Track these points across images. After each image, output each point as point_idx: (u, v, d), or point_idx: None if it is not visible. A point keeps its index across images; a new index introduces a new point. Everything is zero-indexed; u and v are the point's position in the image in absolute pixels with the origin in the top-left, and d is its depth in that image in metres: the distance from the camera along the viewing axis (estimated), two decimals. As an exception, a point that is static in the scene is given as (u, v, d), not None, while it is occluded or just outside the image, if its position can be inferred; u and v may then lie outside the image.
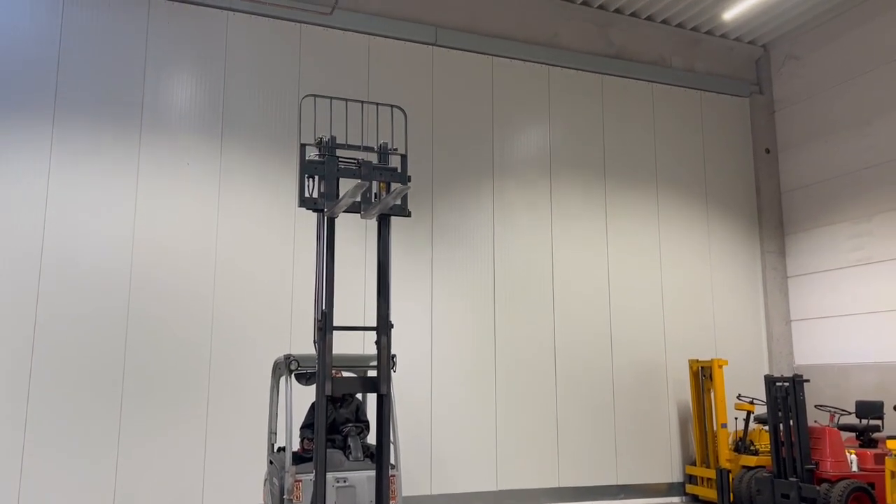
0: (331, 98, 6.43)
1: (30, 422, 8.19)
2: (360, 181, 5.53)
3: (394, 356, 6.95)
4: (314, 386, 6.91)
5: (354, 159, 6.27)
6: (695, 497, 10.97)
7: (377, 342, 6.27)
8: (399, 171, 6.40)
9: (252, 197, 9.52)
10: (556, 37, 11.63)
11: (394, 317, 9.82)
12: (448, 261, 10.42)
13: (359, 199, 6.15)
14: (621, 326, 11.28)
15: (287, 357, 6.75)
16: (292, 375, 6.80)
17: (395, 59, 10.55)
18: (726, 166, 12.54)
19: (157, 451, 8.61)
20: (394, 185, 6.21)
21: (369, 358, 6.74)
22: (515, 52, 11.25)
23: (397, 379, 9.71)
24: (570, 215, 11.28)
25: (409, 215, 6.46)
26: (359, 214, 6.25)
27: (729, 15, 10.16)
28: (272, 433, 7.44)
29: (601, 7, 11.85)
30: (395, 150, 6.64)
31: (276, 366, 7.42)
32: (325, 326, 6.21)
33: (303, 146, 6.18)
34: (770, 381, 9.66)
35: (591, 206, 11.45)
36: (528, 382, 10.55)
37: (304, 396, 8.31)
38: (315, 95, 6.60)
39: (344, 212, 6.04)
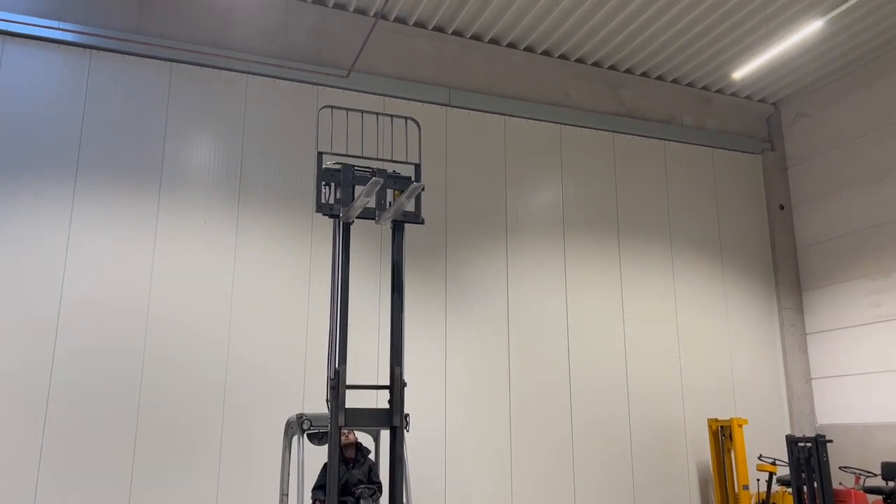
0: (347, 109, 6.56)
1: (42, 476, 8.13)
2: (375, 178, 5.60)
3: (407, 416, 6.90)
4: (326, 446, 6.86)
5: (369, 168, 6.39)
6: (718, 562, 10.63)
7: (391, 368, 6.21)
8: (413, 179, 6.49)
9: (267, 254, 9.61)
10: (567, 97, 11.84)
11: (407, 373, 9.75)
12: (462, 316, 10.41)
13: (373, 205, 6.24)
14: (638, 382, 11.13)
15: (299, 416, 6.72)
16: (304, 435, 6.75)
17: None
18: (740, 222, 12.55)
19: (168, 511, 8.51)
20: (409, 186, 6.24)
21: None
22: (528, 112, 11.44)
23: (412, 438, 9.59)
24: (584, 271, 11.27)
25: (422, 222, 6.50)
26: (373, 222, 6.29)
27: (738, 74, 10.32)
28: (284, 494, 7.34)
29: (612, 67, 12.08)
30: (409, 177, 6.66)
31: (289, 425, 7.36)
32: (337, 385, 6.20)
33: (320, 154, 6.30)
34: (792, 442, 9.45)
35: (605, 261, 11.45)
36: (543, 439, 10.38)
37: (316, 457, 8.22)
38: (332, 107, 6.74)
39: (358, 218, 6.10)
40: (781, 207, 12.70)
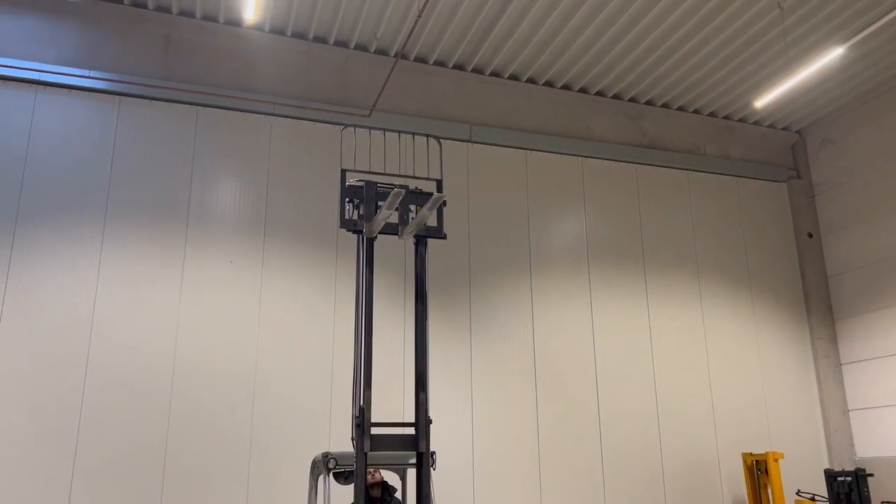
0: (370, 128, 6.61)
1: (70, 524, 8.15)
2: (397, 188, 5.64)
3: (433, 453, 6.81)
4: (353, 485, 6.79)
5: (392, 185, 6.43)
6: None
7: (416, 394, 6.17)
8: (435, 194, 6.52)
9: (292, 291, 9.66)
10: (588, 129, 11.86)
11: (433, 409, 9.64)
12: (487, 351, 10.33)
13: (396, 220, 6.27)
14: (669, 416, 10.91)
15: (325, 455, 6.66)
16: (330, 474, 6.68)
17: (432, 154, 10.84)
18: (769, 252, 12.37)
19: (195, 554, 8.45)
20: (431, 198, 6.24)
21: (408, 455, 6.58)
22: (549, 146, 11.48)
23: (439, 476, 9.45)
24: (610, 304, 11.15)
25: (444, 237, 6.51)
26: (397, 237, 6.30)
27: (760, 103, 10.27)
28: (311, 534, 7.25)
29: (632, 99, 12.10)
30: (431, 193, 6.70)
31: (315, 464, 7.30)
32: (362, 423, 6.15)
33: (343, 171, 6.37)
34: (831, 476, 9.18)
35: (631, 294, 11.33)
36: (573, 475, 10.17)
37: (343, 496, 8.13)
38: (355, 126, 6.80)
39: (381, 233, 6.11)
40: (810, 235, 12.51)
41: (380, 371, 9.56)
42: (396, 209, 6.32)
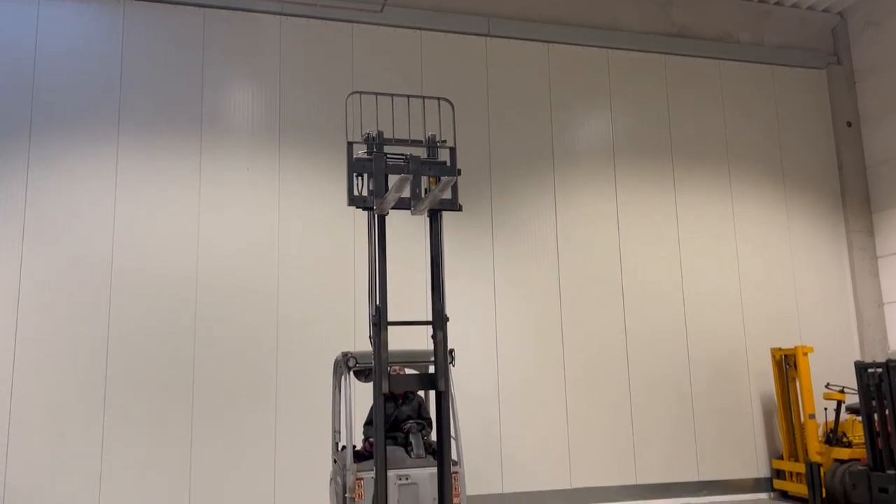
0: (376, 94, 6.35)
1: (107, 428, 8.43)
2: (403, 175, 5.43)
3: (451, 350, 6.81)
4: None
5: (402, 155, 6.19)
6: (783, 493, 10.37)
7: (433, 337, 6.16)
8: (448, 164, 6.27)
9: (311, 195, 9.56)
10: (614, 19, 11.25)
11: (456, 313, 9.68)
12: (510, 254, 10.21)
13: (408, 195, 6.05)
14: (697, 315, 10.78)
15: (345, 355, 6.70)
16: (351, 373, 6.74)
17: (448, 52, 10.42)
18: (804, 143, 11.85)
19: (228, 452, 8.73)
20: (443, 179, 6.07)
21: (428, 353, 6.60)
22: (572, 38, 10.93)
23: (462, 376, 9.56)
24: (637, 202, 10.87)
25: (460, 209, 6.31)
26: (408, 211, 6.14)
27: (798, -19, 9.57)
28: (336, 432, 7.40)
29: (661, -15, 11.40)
30: (444, 142, 6.50)
31: (336, 364, 7.39)
32: (379, 322, 6.13)
33: (350, 144, 6.13)
34: (861, 368, 9.03)
35: (659, 191, 11.01)
36: (599, 375, 10.21)
37: (366, 394, 8.26)
38: (360, 92, 6.53)
39: (393, 209, 5.94)
40: (849, 124, 11.92)
41: (399, 283, 9.53)
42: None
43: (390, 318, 6.22)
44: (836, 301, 11.48)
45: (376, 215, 6.06)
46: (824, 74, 12.16)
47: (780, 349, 10.44)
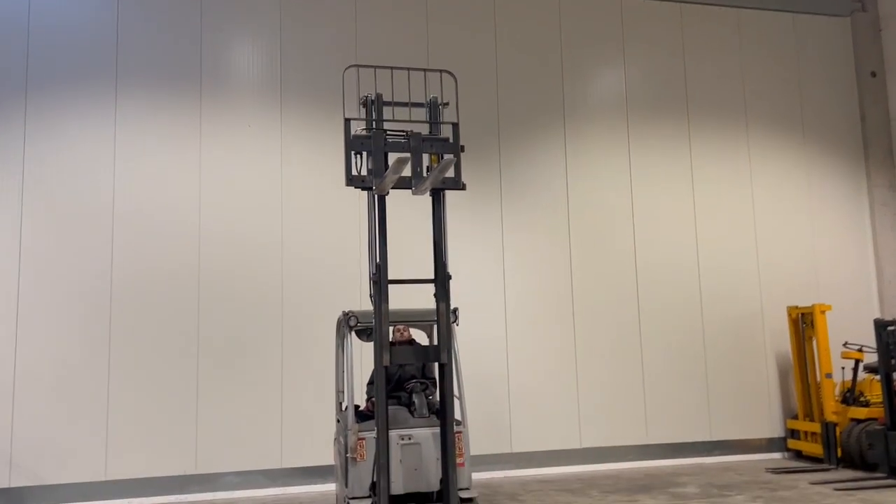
0: (375, 67, 6.07)
1: (112, 379, 8.41)
2: (400, 156, 5.20)
3: (455, 310, 6.65)
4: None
5: (403, 132, 5.95)
6: (798, 453, 10.21)
7: (435, 296, 5.99)
8: (451, 140, 6.03)
9: (314, 151, 9.34)
10: (628, -34, 10.80)
11: (464, 273, 9.47)
12: (519, 212, 9.97)
13: (409, 173, 5.81)
14: (711, 273, 10.52)
15: (346, 314, 6.56)
16: (352, 332, 6.61)
17: (455, 6, 10.06)
18: (826, 94, 11.40)
19: (234, 406, 8.69)
20: (444, 158, 5.81)
21: (430, 312, 6.41)
22: (584, -14, 10.51)
23: (470, 336, 9.39)
24: (650, 156, 10.55)
25: (463, 188, 6.08)
26: (409, 190, 5.92)
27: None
28: (339, 392, 7.30)
29: (677, -71, 10.89)
30: (447, 103, 6.24)
31: (339, 323, 7.25)
32: (379, 280, 5.97)
33: (347, 121, 5.89)
34: (880, 326, 8.80)
35: (673, 146, 10.68)
36: (610, 336, 10.03)
37: (370, 353, 8.14)
38: (358, 66, 6.25)
39: (393, 188, 5.71)
40: (873, 75, 11.45)
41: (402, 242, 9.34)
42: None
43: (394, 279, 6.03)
44: (856, 258, 11.16)
45: (376, 195, 5.86)
46: (848, 22, 11.65)
47: (796, 307, 10.19)
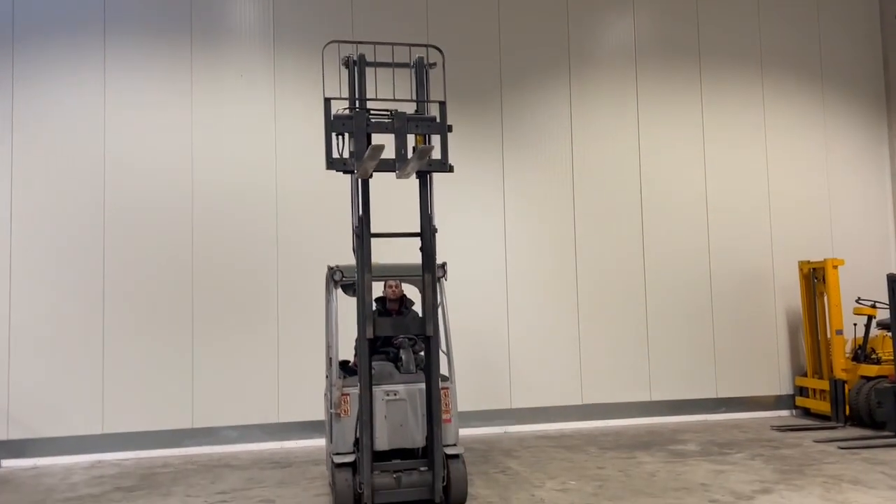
0: (356, 42, 5.78)
1: (107, 336, 8.39)
2: (374, 145, 4.96)
3: (443, 264, 6.47)
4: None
5: (386, 111, 5.69)
6: (806, 410, 10.00)
7: (421, 250, 5.80)
8: (438, 120, 5.75)
9: (309, 103, 9.07)
10: None
11: (462, 224, 9.30)
12: (521, 163, 9.69)
13: (394, 155, 5.56)
14: (721, 227, 10.20)
15: (331, 268, 6.41)
16: (339, 287, 6.46)
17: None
18: (847, 38, 10.85)
19: (232, 365, 8.65)
20: (426, 142, 5.54)
21: (417, 267, 6.23)
22: (591, -74, 10.02)
23: (469, 291, 9.25)
24: (660, 104, 10.16)
25: (450, 170, 5.81)
26: (393, 174, 5.68)
27: None
28: (329, 346, 7.20)
29: None
30: (434, 64, 5.95)
31: (327, 277, 7.10)
32: (362, 233, 5.79)
33: (327, 101, 5.62)
34: (893, 280, 8.47)
35: (684, 94, 10.26)
36: (614, 290, 9.80)
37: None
38: (339, 41, 5.96)
39: (376, 171, 5.48)
40: (898, 17, 10.87)
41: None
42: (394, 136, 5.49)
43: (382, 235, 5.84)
44: (873, 211, 10.76)
45: (359, 179, 5.63)
46: (873, -39, 11.04)
47: (808, 262, 9.87)
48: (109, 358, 8.37)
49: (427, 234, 5.82)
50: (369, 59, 5.86)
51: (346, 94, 5.84)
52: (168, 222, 8.66)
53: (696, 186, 10.18)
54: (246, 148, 8.93)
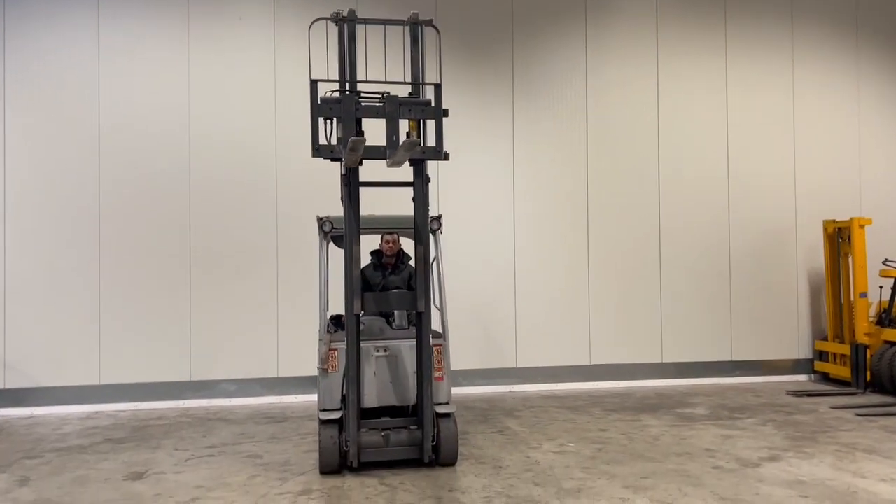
0: (344, 20, 5.38)
1: (104, 288, 8.26)
2: (354, 139, 4.63)
3: (439, 217, 6.17)
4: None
5: (378, 93, 5.33)
6: (825, 375, 9.62)
7: (413, 200, 5.50)
8: (433, 104, 5.37)
9: (307, 49, 8.72)
10: None
11: (469, 178, 8.96)
12: (532, 114, 9.27)
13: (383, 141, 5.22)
14: (742, 183, 9.72)
15: (320, 219, 6.15)
16: (329, 238, 6.20)
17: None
18: (885, -16, 10.17)
19: (230, 318, 8.49)
20: (406, 141, 5.17)
21: (408, 219, 5.92)
22: None
23: (477, 249, 8.95)
24: (681, 57, 9.63)
25: (446, 158, 5.44)
26: (384, 162, 5.34)
27: None
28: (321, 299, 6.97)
29: None
30: (430, 20, 5.55)
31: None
32: (350, 182, 5.50)
33: (314, 83, 5.25)
34: (923, 242, 7.98)
35: (706, 43, 9.71)
36: (627, 246, 9.42)
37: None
38: (325, 18, 5.56)
39: (365, 159, 5.13)
40: (943, -40, 10.13)
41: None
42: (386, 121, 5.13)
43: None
44: (905, 169, 10.19)
45: (348, 168, 5.29)
46: None
47: (833, 221, 9.39)
48: (106, 308, 8.25)
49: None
50: (361, 38, 5.50)
51: (335, 65, 5.44)
52: (164, 172, 8.44)
53: (717, 139, 9.69)
54: (244, 93, 8.63)
